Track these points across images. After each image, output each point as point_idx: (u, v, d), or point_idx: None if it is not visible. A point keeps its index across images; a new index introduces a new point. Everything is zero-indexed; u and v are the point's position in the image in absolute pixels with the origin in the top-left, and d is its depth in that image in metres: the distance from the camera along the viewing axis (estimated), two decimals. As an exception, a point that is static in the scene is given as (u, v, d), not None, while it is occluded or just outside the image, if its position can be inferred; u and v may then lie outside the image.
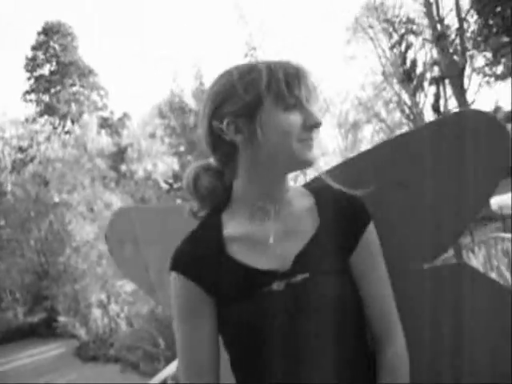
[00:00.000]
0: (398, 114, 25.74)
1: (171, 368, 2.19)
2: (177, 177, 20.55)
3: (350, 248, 1.11)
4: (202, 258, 1.10)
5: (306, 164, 1.08)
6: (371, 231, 1.13)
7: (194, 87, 14.63)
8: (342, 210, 1.11)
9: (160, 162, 22.73)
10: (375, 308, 1.11)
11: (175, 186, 21.18)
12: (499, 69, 19.09)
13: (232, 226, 1.12)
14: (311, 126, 1.06)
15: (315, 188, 1.18)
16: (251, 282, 1.06)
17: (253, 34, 14.36)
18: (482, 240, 6.21)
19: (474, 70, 21.15)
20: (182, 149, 16.29)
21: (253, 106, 1.04)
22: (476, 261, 5.92)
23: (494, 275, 5.27)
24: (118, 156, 23.82)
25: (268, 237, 1.09)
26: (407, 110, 23.43)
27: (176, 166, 19.25)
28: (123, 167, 23.68)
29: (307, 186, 1.22)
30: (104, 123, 29.74)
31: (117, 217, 1.61)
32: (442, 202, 1.22)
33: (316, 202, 1.15)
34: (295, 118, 1.04)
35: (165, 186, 22.69)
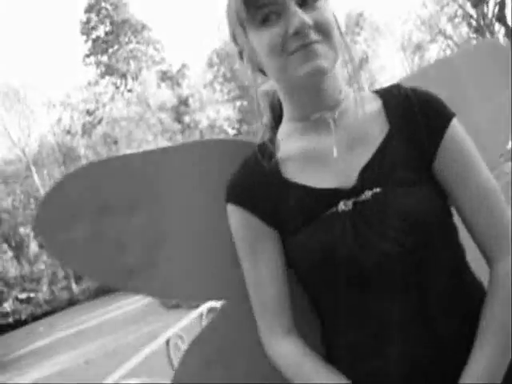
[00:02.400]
0: (465, 29, 24.20)
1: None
2: (241, 121, 20.54)
3: (431, 152, 0.92)
4: (258, 186, 0.98)
5: (304, 80, 0.90)
6: (456, 129, 0.93)
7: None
8: (416, 108, 0.93)
9: (223, 109, 22.80)
10: (476, 223, 0.92)
11: (242, 130, 21.19)
12: None
13: (286, 146, 0.99)
14: (294, 32, 0.87)
15: (382, 90, 1.00)
16: (314, 205, 0.92)
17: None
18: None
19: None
20: (233, 94, 16.19)
21: (239, 34, 0.97)
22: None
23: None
24: (180, 108, 24.07)
25: (326, 152, 0.95)
26: (474, 23, 21.96)
27: (236, 112, 19.25)
28: (187, 118, 23.97)
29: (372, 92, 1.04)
30: (164, 76, 29.99)
31: (59, 185, 1.07)
32: (482, 124, 1.26)
33: (384, 104, 0.96)
34: (275, 30, 0.89)
35: (232, 132, 22.82)
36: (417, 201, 0.87)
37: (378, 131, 0.94)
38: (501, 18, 19.97)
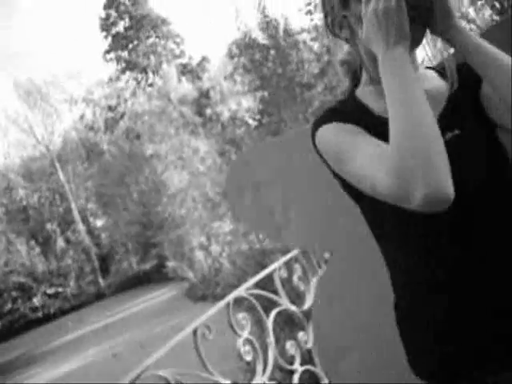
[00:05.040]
0: (488, 12, 23.66)
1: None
2: (263, 112, 20.31)
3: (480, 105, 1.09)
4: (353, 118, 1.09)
5: None
6: None
7: (259, 20, 14.17)
8: (462, 74, 1.11)
9: (244, 100, 22.64)
10: None
11: (264, 121, 20.99)
12: None
13: (371, 102, 1.13)
14: None
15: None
16: None
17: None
18: None
19: None
20: (254, 85, 16.07)
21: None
22: None
23: None
24: (201, 101, 24.04)
25: None
26: (498, 5, 21.43)
27: (257, 103, 19.09)
28: (208, 111, 23.90)
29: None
30: (184, 70, 29.99)
31: (234, 166, 1.77)
32: None
33: (440, 74, 1.17)
34: None
35: (253, 123, 22.67)
36: (487, 141, 1.05)
37: (443, 89, 1.13)
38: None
